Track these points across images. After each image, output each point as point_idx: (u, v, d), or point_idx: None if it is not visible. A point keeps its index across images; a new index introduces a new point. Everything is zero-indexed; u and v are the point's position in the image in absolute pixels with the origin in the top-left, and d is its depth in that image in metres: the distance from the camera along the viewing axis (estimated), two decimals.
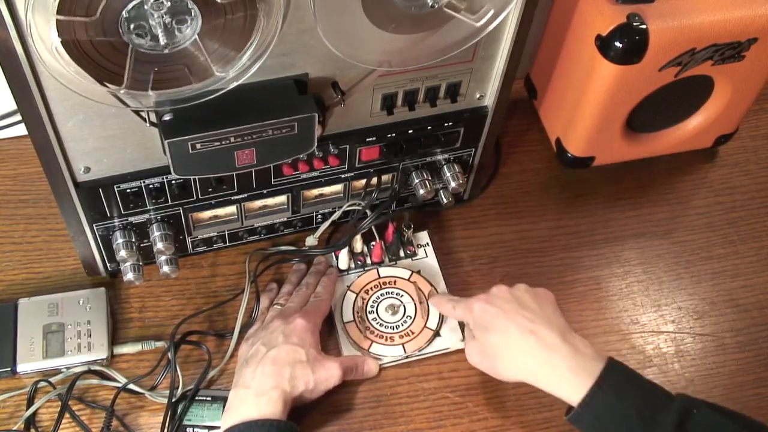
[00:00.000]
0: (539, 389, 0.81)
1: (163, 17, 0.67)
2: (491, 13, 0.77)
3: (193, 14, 0.68)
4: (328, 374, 0.87)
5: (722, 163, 1.17)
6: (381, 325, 0.96)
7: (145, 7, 0.66)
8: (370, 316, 0.96)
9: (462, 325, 0.96)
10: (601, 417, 0.77)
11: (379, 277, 0.99)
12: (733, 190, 1.14)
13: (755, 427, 0.77)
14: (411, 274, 1.00)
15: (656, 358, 0.98)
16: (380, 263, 1.01)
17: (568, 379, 0.79)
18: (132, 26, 0.67)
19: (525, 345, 0.82)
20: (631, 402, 0.77)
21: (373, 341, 0.94)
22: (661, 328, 1.01)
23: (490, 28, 0.79)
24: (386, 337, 0.95)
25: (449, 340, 0.96)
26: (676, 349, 0.99)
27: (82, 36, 0.65)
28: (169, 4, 0.66)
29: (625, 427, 0.76)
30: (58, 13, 0.63)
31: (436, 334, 0.95)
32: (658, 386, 0.79)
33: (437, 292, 0.98)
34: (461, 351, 0.95)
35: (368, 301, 0.97)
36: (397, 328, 0.96)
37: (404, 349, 0.94)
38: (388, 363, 0.94)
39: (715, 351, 0.99)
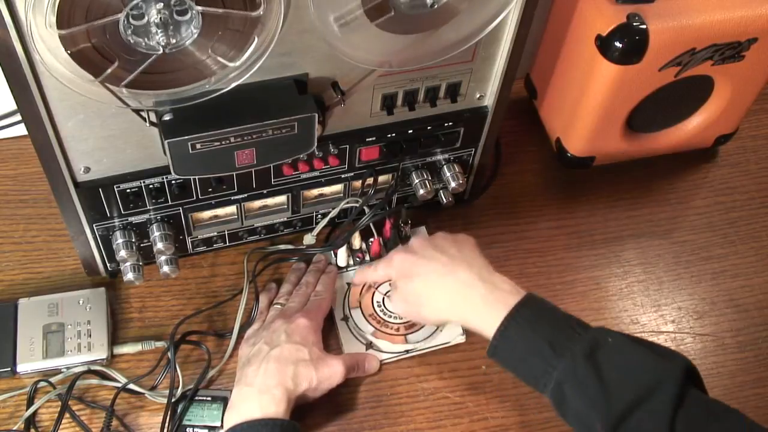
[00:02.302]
0: (462, 325, 0.81)
1: (162, 18, 0.67)
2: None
3: (193, 14, 0.68)
4: (331, 372, 0.87)
5: (722, 163, 1.17)
6: (386, 315, 0.96)
7: (134, 23, 0.66)
8: (378, 308, 0.96)
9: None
10: (515, 347, 0.78)
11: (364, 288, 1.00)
12: (733, 190, 1.14)
13: (667, 352, 0.77)
14: None
15: None
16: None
17: (484, 313, 0.81)
18: (134, 27, 0.67)
19: (443, 284, 0.85)
20: (543, 331, 0.78)
21: (374, 335, 0.94)
22: (661, 328, 1.01)
23: (490, 27, 0.79)
24: (388, 329, 0.95)
25: (449, 334, 0.96)
26: (675, 349, 0.99)
27: (85, 43, 0.65)
28: (170, 4, 0.66)
29: (538, 356, 0.77)
30: (96, 77, 0.65)
31: (437, 329, 0.96)
32: (577, 319, 0.79)
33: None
34: (461, 350, 0.95)
35: (373, 294, 0.97)
36: (398, 320, 0.96)
37: (406, 340, 0.94)
38: (388, 359, 0.94)
39: (715, 351, 0.99)
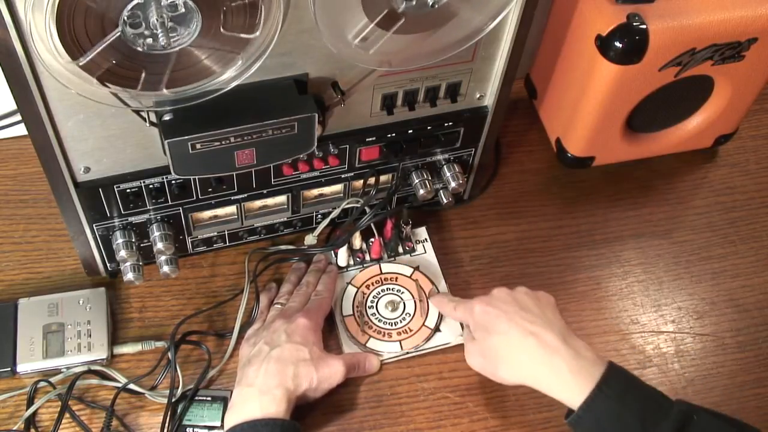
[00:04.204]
0: (539, 390, 0.81)
1: (163, 17, 0.67)
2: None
3: (193, 14, 0.68)
4: (331, 372, 0.87)
5: (722, 163, 1.17)
6: (380, 321, 0.96)
7: (147, 8, 0.65)
8: (370, 312, 0.96)
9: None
10: (600, 421, 0.77)
11: (381, 273, 0.99)
12: (733, 190, 1.14)
13: (748, 427, 0.77)
14: (412, 272, 1.00)
15: (656, 358, 0.98)
16: (379, 259, 1.01)
17: (568, 382, 0.79)
18: (129, 15, 0.66)
19: (526, 347, 0.82)
20: (631, 406, 0.77)
21: (371, 337, 0.95)
22: (661, 328, 1.01)
23: (490, 27, 0.79)
24: (385, 333, 0.95)
25: (449, 335, 0.96)
26: (676, 349, 0.99)
27: (108, 64, 0.66)
28: (182, 9, 0.66)
29: (625, 431, 0.76)
30: (73, 60, 0.65)
31: (436, 330, 0.96)
32: (658, 391, 0.79)
33: (438, 290, 0.98)
34: (461, 350, 0.95)
35: (368, 296, 0.97)
36: (396, 325, 0.96)
37: (401, 346, 0.94)
38: (388, 359, 0.94)
39: (715, 351, 0.99)
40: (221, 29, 0.69)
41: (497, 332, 0.84)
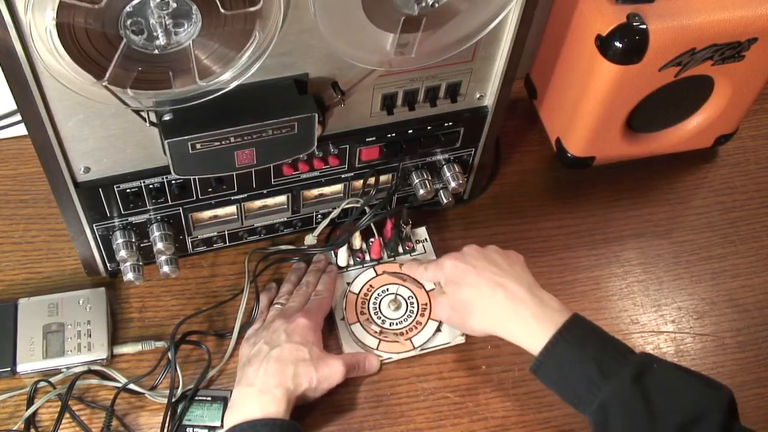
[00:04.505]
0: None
1: (164, 17, 0.67)
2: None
3: (193, 13, 0.68)
4: (331, 372, 0.87)
5: (722, 163, 1.17)
6: (383, 321, 0.96)
7: (151, 5, 0.65)
8: (373, 312, 0.96)
9: None
10: (561, 366, 0.79)
11: (389, 273, 1.00)
12: (733, 190, 1.14)
13: (714, 384, 0.77)
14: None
15: None
16: (379, 259, 1.01)
17: (532, 328, 0.81)
18: (130, 22, 0.66)
19: (493, 298, 0.85)
20: (591, 352, 0.78)
21: (374, 337, 0.94)
22: (661, 328, 1.01)
23: (490, 27, 0.79)
24: (388, 332, 0.95)
25: (449, 335, 0.96)
26: (676, 349, 0.99)
27: (79, 21, 0.65)
28: (174, 4, 0.66)
29: (584, 376, 0.77)
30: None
31: (436, 330, 0.96)
32: (623, 343, 0.80)
33: (438, 288, 0.98)
34: (461, 350, 0.95)
35: (370, 297, 0.97)
36: (399, 324, 0.96)
37: (406, 345, 0.94)
38: (387, 359, 0.94)
39: (715, 351, 0.99)
40: (220, 32, 0.69)
41: (467, 284, 0.87)
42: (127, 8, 0.65)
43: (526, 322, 0.82)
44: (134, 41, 0.68)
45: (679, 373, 0.78)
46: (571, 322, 0.80)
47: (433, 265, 0.93)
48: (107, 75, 0.69)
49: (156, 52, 0.69)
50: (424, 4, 0.74)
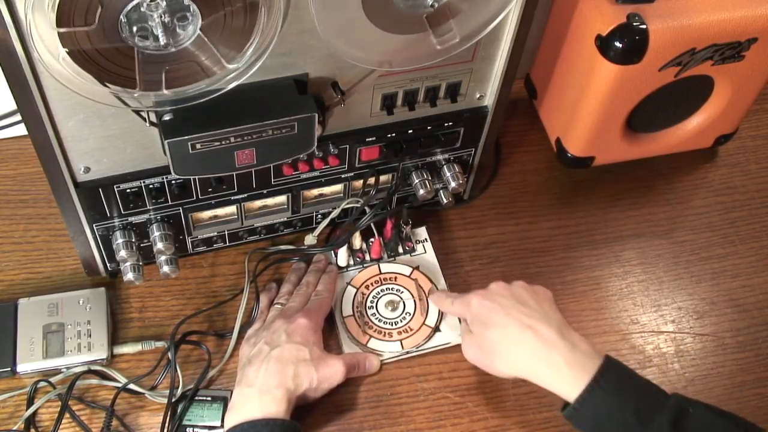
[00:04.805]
0: (539, 389, 0.81)
1: (162, 17, 0.67)
2: (455, 41, 0.79)
3: (192, 11, 0.68)
4: (331, 372, 0.87)
5: (722, 163, 1.17)
6: (380, 321, 0.96)
7: (142, 9, 0.66)
8: (370, 312, 0.96)
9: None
10: (597, 414, 0.77)
11: (380, 273, 0.99)
12: (733, 190, 1.14)
13: (749, 427, 0.78)
14: (412, 271, 1.00)
15: (656, 358, 0.98)
16: (379, 259, 1.01)
17: (565, 375, 0.79)
18: (135, 29, 0.67)
19: (523, 340, 0.82)
20: (627, 399, 0.77)
21: (372, 337, 0.95)
22: (661, 328, 1.01)
23: (490, 27, 0.79)
24: (385, 332, 0.95)
25: (449, 335, 0.96)
26: (676, 349, 0.99)
27: (86, 45, 0.66)
28: (165, 3, 0.66)
29: (621, 424, 0.76)
30: (58, 26, 0.64)
31: (436, 329, 0.96)
32: (654, 385, 0.79)
33: (437, 289, 0.98)
34: (461, 349, 0.95)
35: (368, 296, 0.97)
36: (396, 324, 0.96)
37: (402, 345, 0.94)
38: (388, 359, 0.94)
39: (715, 351, 0.99)
40: (220, 32, 0.69)
41: (495, 325, 0.85)
42: (122, 18, 0.65)
43: (559, 368, 0.79)
44: (147, 46, 0.68)
45: (714, 417, 0.77)
46: (605, 368, 0.78)
47: (459, 301, 0.90)
48: (137, 84, 0.69)
49: (173, 50, 0.69)
50: (424, 5, 0.74)
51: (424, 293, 0.98)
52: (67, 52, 0.66)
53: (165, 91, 0.72)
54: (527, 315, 0.83)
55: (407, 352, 0.94)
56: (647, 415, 0.76)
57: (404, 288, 0.99)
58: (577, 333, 0.83)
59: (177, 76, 0.72)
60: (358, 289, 0.98)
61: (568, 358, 0.79)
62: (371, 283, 0.99)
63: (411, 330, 0.96)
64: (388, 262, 1.01)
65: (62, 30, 0.64)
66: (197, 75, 0.72)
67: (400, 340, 0.95)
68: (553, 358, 0.80)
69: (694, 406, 0.77)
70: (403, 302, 0.97)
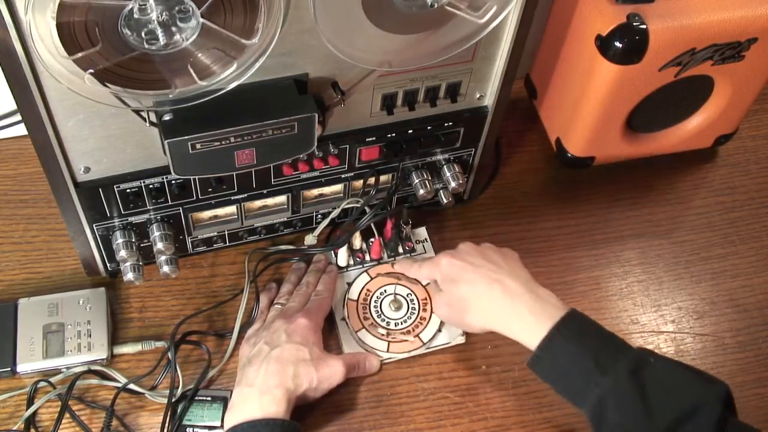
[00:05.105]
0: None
1: (159, 17, 0.67)
2: (494, 10, 0.77)
3: (191, 11, 0.68)
4: (331, 372, 0.87)
5: (722, 163, 1.17)
6: (388, 322, 0.96)
7: (136, 15, 0.66)
8: (376, 316, 0.96)
9: None
10: (558, 360, 0.79)
11: (383, 274, 0.99)
12: (733, 190, 1.14)
13: (710, 378, 0.77)
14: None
15: None
16: (379, 259, 1.01)
17: (529, 323, 0.81)
18: (143, 34, 0.67)
19: (491, 294, 0.85)
20: (588, 347, 0.78)
21: (382, 340, 0.94)
22: (661, 328, 1.01)
23: (492, 26, 0.79)
24: (395, 333, 0.95)
25: (449, 335, 0.96)
26: (676, 349, 0.99)
27: (103, 63, 0.67)
28: (156, 5, 0.66)
29: (581, 371, 0.78)
30: (68, 54, 0.65)
31: (437, 330, 0.95)
32: (620, 338, 0.80)
33: (437, 287, 0.98)
34: (461, 350, 0.95)
35: (370, 301, 0.97)
36: (404, 323, 0.96)
37: (415, 343, 0.94)
38: (388, 359, 0.94)
39: (715, 351, 0.99)
40: (221, 29, 0.69)
41: (464, 282, 0.87)
42: (124, 31, 0.66)
43: (524, 317, 0.82)
44: (160, 47, 0.68)
45: (676, 368, 0.78)
46: (568, 317, 0.81)
47: (428, 263, 0.93)
48: (172, 85, 0.70)
49: (185, 44, 0.69)
50: (424, 4, 0.74)
51: (427, 292, 0.98)
52: (91, 73, 0.67)
53: (200, 82, 0.72)
54: (495, 271, 0.86)
55: (407, 353, 0.94)
56: (607, 362, 0.77)
57: (407, 288, 0.98)
58: (545, 288, 0.85)
59: (202, 66, 0.71)
60: (360, 291, 0.98)
61: (534, 308, 0.82)
62: (369, 288, 0.98)
63: (414, 330, 0.95)
64: (385, 263, 1.01)
65: (73, 57, 0.66)
66: (222, 59, 0.72)
67: (400, 341, 0.95)
68: (518, 309, 0.83)
69: (657, 357, 0.78)
70: (407, 302, 0.97)
